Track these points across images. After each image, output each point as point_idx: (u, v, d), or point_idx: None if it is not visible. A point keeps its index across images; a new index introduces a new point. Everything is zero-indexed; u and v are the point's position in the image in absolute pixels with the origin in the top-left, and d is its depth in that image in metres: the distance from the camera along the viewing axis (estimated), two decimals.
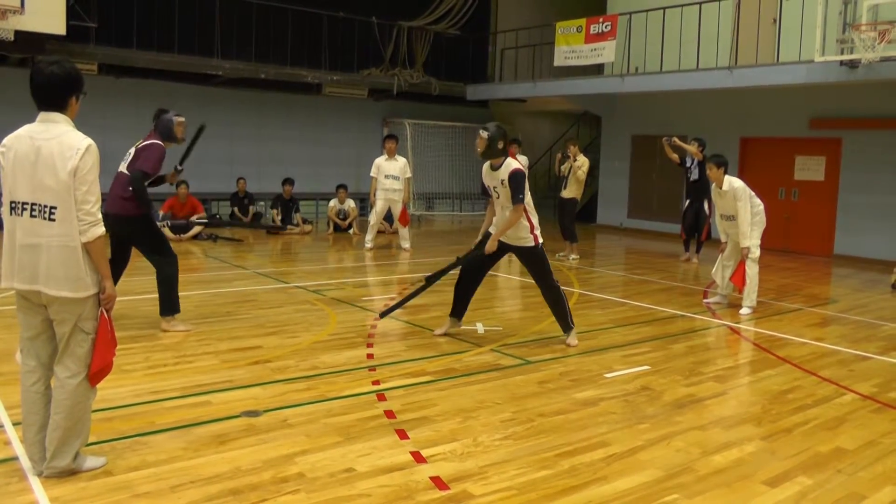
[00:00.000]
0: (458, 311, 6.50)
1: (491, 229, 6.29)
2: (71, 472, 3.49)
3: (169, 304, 6.29)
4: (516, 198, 5.92)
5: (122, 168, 6.18)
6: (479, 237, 6.46)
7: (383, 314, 6.67)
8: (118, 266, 6.35)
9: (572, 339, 6.30)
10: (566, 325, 6.34)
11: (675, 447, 4.16)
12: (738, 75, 12.51)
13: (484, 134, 5.98)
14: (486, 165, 6.17)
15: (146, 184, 6.12)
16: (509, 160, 6.05)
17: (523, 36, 17.04)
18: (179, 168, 6.69)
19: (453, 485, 3.56)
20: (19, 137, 3.40)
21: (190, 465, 3.68)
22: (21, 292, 3.42)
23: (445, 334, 6.44)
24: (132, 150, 6.24)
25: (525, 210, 6.01)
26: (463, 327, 6.59)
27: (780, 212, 13.28)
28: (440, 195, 18.28)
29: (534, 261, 6.28)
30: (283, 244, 12.64)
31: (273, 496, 3.39)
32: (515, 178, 5.93)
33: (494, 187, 6.13)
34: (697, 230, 11.79)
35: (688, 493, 3.59)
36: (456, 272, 6.46)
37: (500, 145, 6.01)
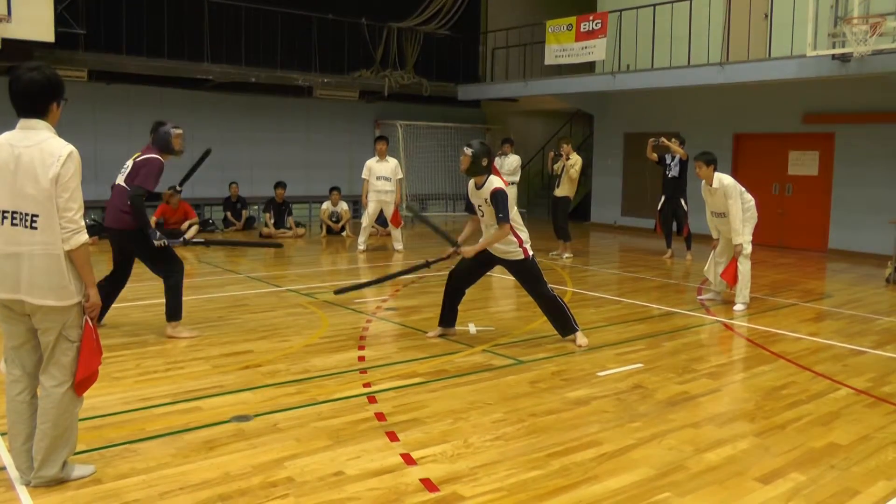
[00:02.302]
0: (446, 320, 6.48)
1: None
2: (59, 482, 3.46)
3: (175, 311, 6.26)
4: (498, 217, 5.90)
5: (120, 181, 6.11)
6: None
7: (339, 291, 6.82)
8: (118, 281, 6.31)
9: (581, 339, 6.26)
10: (571, 329, 6.28)
11: (668, 445, 4.14)
12: (729, 71, 12.51)
13: (468, 151, 5.96)
14: (471, 184, 6.14)
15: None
16: (492, 178, 6.02)
17: (514, 35, 17.03)
18: (178, 189, 6.68)
19: (443, 486, 3.54)
20: None
21: (179, 471, 3.65)
22: (4, 301, 3.38)
23: (438, 336, 6.43)
24: (129, 163, 6.16)
25: (511, 227, 6.00)
26: (455, 328, 6.56)
27: (774, 207, 13.28)
28: (433, 196, 18.25)
29: (525, 273, 6.24)
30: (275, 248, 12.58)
31: (262, 501, 3.37)
32: (496, 198, 5.90)
33: (479, 206, 6.11)
34: (678, 227, 11.78)
35: (680, 492, 3.57)
36: (442, 280, 6.46)
37: (485, 163, 5.98)
